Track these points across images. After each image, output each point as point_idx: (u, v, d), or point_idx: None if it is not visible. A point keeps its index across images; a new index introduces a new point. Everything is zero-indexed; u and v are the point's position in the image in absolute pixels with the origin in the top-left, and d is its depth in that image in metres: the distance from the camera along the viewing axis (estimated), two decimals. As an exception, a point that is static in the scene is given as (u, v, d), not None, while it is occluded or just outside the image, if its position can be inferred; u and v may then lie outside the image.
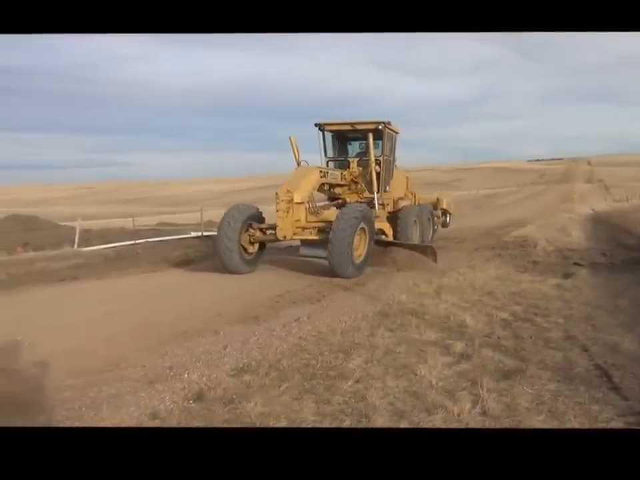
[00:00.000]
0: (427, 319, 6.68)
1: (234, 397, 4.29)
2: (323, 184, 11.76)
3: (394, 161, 13.67)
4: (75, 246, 15.71)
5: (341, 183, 12.26)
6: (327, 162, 12.94)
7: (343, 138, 13.34)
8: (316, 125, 12.83)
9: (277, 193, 10.25)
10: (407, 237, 12.54)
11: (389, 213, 13.32)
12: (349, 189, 12.49)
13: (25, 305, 7.80)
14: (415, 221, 13.27)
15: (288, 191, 10.07)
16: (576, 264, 10.65)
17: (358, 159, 12.56)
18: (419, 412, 4.03)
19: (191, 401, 4.26)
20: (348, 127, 12.71)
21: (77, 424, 3.81)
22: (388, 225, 12.36)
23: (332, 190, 12.46)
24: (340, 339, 5.90)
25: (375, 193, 12.15)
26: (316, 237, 10.23)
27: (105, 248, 14.99)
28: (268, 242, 10.98)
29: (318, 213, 11.02)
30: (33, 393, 4.46)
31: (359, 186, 12.37)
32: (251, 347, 5.62)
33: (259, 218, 10.97)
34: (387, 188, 13.19)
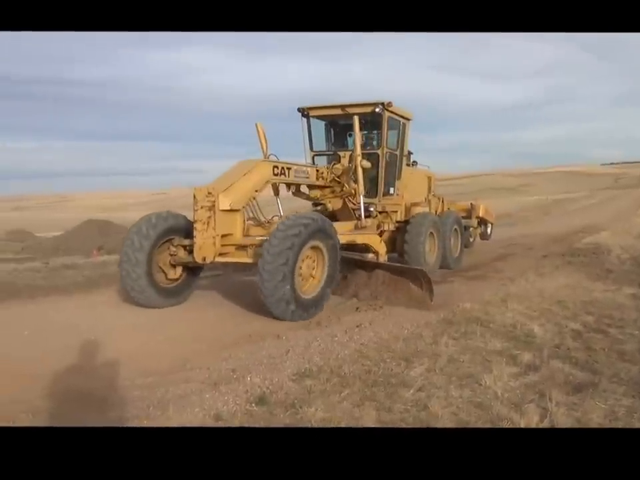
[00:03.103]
0: (493, 327, 6.50)
1: (295, 401, 4.32)
2: (288, 185, 9.13)
3: (403, 155, 10.72)
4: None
5: (317, 183, 9.38)
6: (313, 157, 10.35)
7: (337, 126, 10.54)
8: (299, 110, 10.20)
9: (194, 196, 7.36)
10: (416, 255, 10.00)
11: (398, 222, 10.62)
12: (332, 192, 9.67)
13: (100, 306, 8.15)
14: (431, 232, 10.51)
15: (209, 194, 7.27)
16: (654, 273, 10.08)
17: (351, 152, 9.58)
18: (484, 423, 3.92)
19: (253, 404, 4.32)
20: (338, 112, 9.95)
21: (145, 422, 3.95)
22: (379, 239, 9.47)
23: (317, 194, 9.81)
24: (402, 346, 5.83)
25: (361, 197, 9.22)
26: (250, 260, 7.40)
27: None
28: (191, 265, 7.94)
29: (269, 225, 8.07)
30: (106, 390, 4.67)
31: (345, 187, 9.49)
32: (312, 352, 5.65)
33: (186, 231, 7.81)
34: (392, 190, 10.44)
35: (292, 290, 6.79)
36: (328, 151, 10.41)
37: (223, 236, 7.45)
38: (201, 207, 7.26)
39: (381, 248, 9.29)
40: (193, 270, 8.25)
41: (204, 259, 7.35)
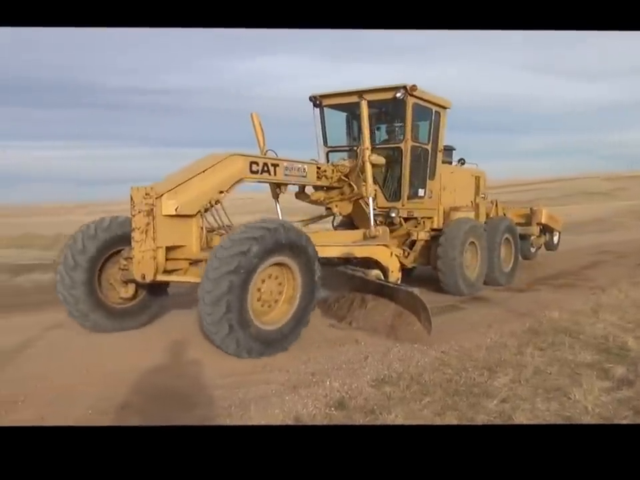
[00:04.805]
0: (582, 338, 6.17)
1: (375, 407, 4.29)
2: (278, 186, 7.65)
3: (437, 150, 9.03)
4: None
5: (319, 183, 7.90)
6: (327, 153, 8.99)
7: (358, 119, 8.37)
8: (310, 98, 8.82)
9: (130, 198, 5.92)
10: (450, 269, 8.52)
11: (434, 230, 9.21)
12: (341, 194, 8.19)
13: (175, 307, 8.36)
14: (472, 242, 8.95)
15: (147, 195, 5.80)
16: None
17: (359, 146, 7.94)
18: (573, 439, 3.72)
19: (332, 408, 4.32)
20: (354, 99, 8.22)
21: (227, 422, 4.06)
22: (389, 252, 7.43)
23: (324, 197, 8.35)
24: (485, 355, 5.65)
25: (370, 200, 7.60)
26: (199, 280, 5.48)
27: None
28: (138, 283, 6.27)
29: None
30: (190, 389, 4.83)
31: (354, 189, 7.94)
32: (392, 358, 5.59)
33: None
34: (421, 192, 8.83)
35: (242, 323, 5.37)
36: (348, 146, 8.99)
37: (171, 248, 6.12)
38: (139, 212, 5.82)
39: (392, 263, 7.38)
40: (152, 287, 6.64)
41: (143, 276, 5.93)
